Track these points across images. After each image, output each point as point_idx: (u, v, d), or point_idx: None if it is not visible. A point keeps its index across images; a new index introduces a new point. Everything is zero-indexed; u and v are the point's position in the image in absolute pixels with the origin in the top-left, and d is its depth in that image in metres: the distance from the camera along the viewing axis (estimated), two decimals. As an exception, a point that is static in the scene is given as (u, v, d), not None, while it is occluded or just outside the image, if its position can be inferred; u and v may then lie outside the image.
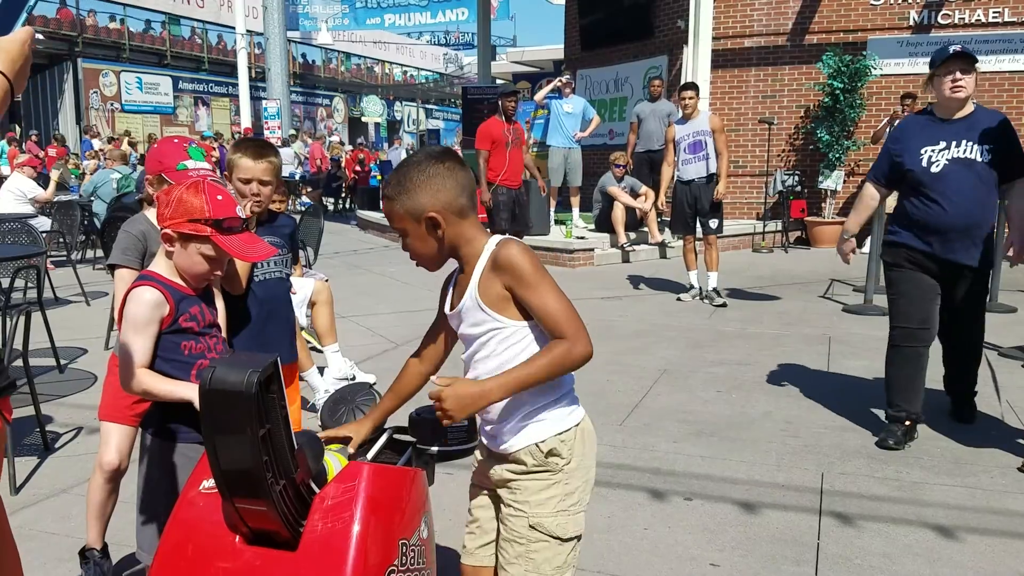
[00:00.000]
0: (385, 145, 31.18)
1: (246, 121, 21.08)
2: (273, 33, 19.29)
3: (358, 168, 18.71)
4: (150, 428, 2.27)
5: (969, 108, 3.87)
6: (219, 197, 2.20)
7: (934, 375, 4.22)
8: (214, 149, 17.57)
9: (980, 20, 11.11)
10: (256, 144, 2.93)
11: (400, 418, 2.93)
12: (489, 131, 8.28)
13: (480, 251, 1.83)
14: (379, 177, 18.12)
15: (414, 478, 2.11)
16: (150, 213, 2.75)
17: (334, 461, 2.10)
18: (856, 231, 4.29)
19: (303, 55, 33.68)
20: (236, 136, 21.22)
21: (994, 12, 11.02)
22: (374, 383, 5.09)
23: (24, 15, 1.64)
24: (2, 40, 1.36)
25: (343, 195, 19.15)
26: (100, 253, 10.18)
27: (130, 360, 2.11)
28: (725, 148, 7.42)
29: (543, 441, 1.85)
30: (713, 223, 7.44)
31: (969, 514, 3.16)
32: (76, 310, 7.55)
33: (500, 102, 8.43)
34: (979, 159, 3.76)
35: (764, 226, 11.35)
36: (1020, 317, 6.70)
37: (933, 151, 3.82)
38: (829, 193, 11.60)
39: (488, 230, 1.85)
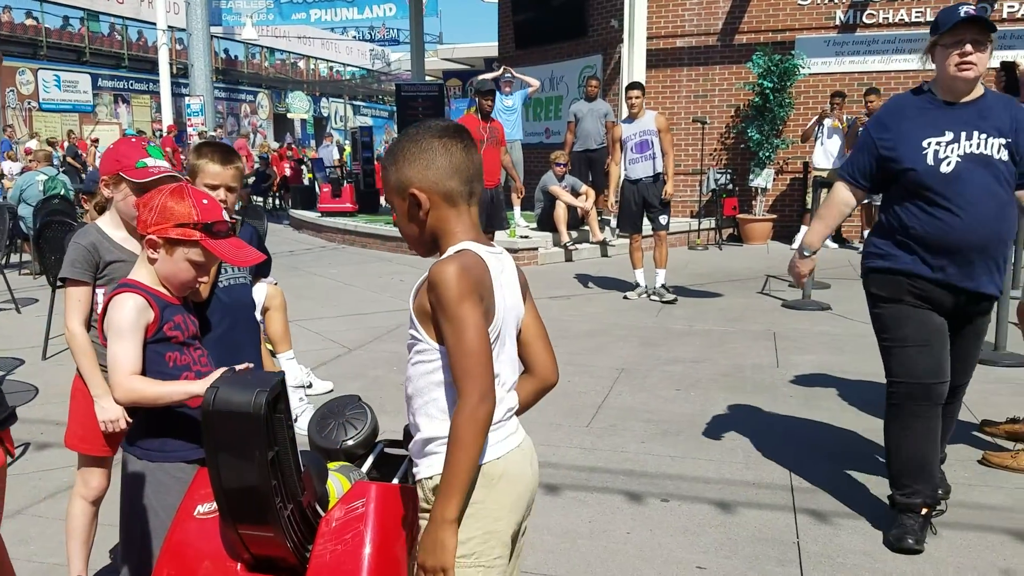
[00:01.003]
0: (312, 142, 30.67)
1: (168, 118, 20.43)
2: (196, 29, 18.71)
3: (291, 166, 18.29)
4: (134, 447, 2.15)
5: (979, 91, 3.01)
6: (204, 201, 2.12)
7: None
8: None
9: (903, 20, 11.51)
10: (221, 148, 2.81)
11: (388, 429, 2.86)
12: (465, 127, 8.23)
13: (445, 252, 1.63)
14: (311, 176, 17.79)
15: (416, 495, 2.06)
16: (102, 222, 2.60)
17: (335, 481, 2.03)
18: (820, 246, 3.42)
19: (225, 50, 32.84)
20: (158, 134, 20.54)
21: (916, 12, 11.43)
22: (331, 390, 4.98)
23: None
24: None
25: (273, 194, 18.74)
26: (27, 258, 9.73)
27: (120, 368, 2.00)
28: (671, 147, 7.51)
29: (430, 477, 1.62)
30: (663, 219, 7.53)
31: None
32: (7, 318, 7.18)
33: (477, 100, 8.40)
34: (996, 156, 2.93)
35: (699, 224, 11.54)
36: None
37: (940, 144, 2.94)
38: (759, 191, 11.87)
39: (470, 233, 1.66)
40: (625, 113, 10.04)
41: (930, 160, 2.95)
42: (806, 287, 7.37)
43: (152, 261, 2.10)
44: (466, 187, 1.65)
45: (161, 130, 20.35)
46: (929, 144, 2.96)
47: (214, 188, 2.60)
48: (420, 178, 1.63)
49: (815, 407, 4.59)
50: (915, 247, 3.00)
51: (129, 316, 2.01)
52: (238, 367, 2.04)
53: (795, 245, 10.88)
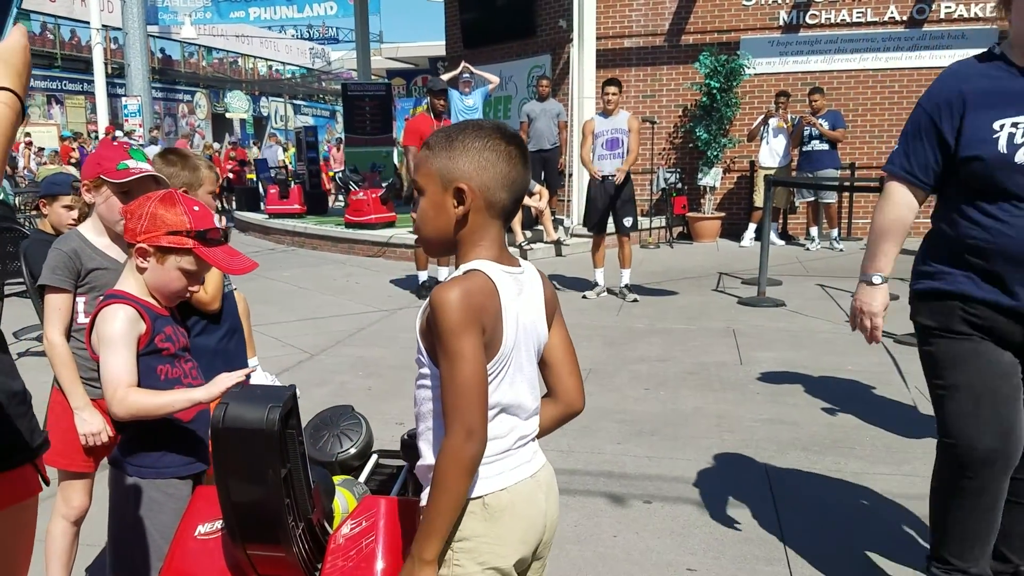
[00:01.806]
0: (251, 142, 30.10)
1: (104, 119, 19.83)
2: (132, 28, 18.20)
3: (235, 168, 17.91)
4: (124, 463, 2.06)
5: None
6: (196, 208, 2.05)
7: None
8: (73, 150, 16.48)
9: (845, 20, 11.78)
10: (184, 154, 2.77)
11: (382, 444, 2.80)
12: (418, 127, 8.24)
13: (460, 264, 1.54)
14: (253, 177, 17.45)
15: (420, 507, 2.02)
16: (83, 228, 2.52)
17: (339, 496, 1.98)
18: (890, 270, 2.51)
19: (162, 50, 32.02)
20: (93, 135, 19.93)
21: (858, 12, 11.72)
22: (294, 386, 4.87)
23: (15, 11, 1.31)
24: (2, 51, 1.13)
25: (216, 196, 18.33)
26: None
27: (117, 380, 1.91)
28: (636, 147, 7.57)
29: (424, 506, 1.52)
30: (628, 221, 7.58)
31: (916, 502, 3.30)
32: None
33: (429, 100, 8.38)
34: None
35: (650, 222, 11.65)
36: (904, 304, 7.07)
37: (1017, 127, 2.23)
38: (708, 189, 12.04)
39: (492, 250, 1.55)
40: (583, 111, 10.12)
41: (1002, 146, 2.23)
42: (760, 284, 7.49)
43: (141, 271, 2.02)
44: (513, 203, 1.55)
45: (97, 131, 19.73)
46: (1002, 126, 2.24)
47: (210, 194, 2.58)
48: (475, 176, 1.50)
49: (782, 403, 4.66)
50: (975, 262, 2.30)
51: (121, 327, 1.93)
52: (235, 374, 1.98)
53: (744, 243, 11.11)
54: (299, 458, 1.70)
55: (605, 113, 7.51)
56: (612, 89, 7.49)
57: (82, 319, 2.45)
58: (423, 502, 1.57)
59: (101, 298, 2.06)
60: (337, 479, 2.05)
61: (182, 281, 2.04)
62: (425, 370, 1.53)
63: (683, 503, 3.41)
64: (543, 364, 1.66)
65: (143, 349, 1.99)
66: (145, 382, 1.99)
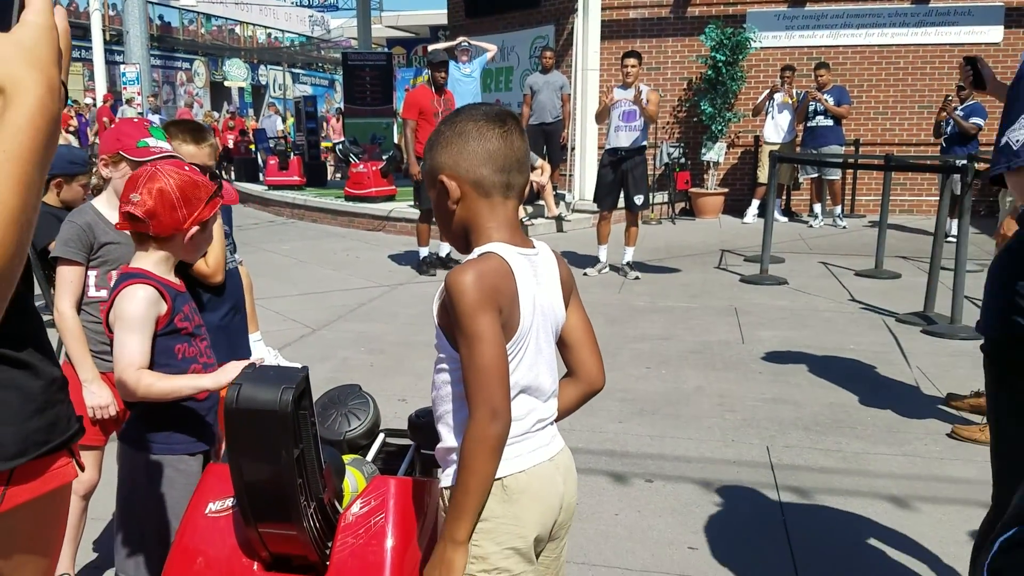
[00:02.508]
0: (250, 111, 29.91)
1: (102, 87, 19.68)
2: (131, -8, 18.05)
3: (238, 138, 17.80)
4: (134, 439, 2.07)
5: None
6: (194, 166, 2.11)
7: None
8: (71, 118, 16.37)
9: (852, -5, 11.68)
10: (192, 127, 2.75)
11: (386, 421, 2.81)
12: (417, 100, 8.13)
13: (474, 250, 1.54)
14: (253, 147, 17.36)
15: (431, 488, 2.03)
16: (98, 202, 2.52)
17: (349, 476, 1.98)
18: None
19: (160, 16, 31.71)
20: (92, 104, 19.78)
21: (865, -13, 11.62)
22: (306, 367, 4.89)
23: None
24: (20, 36, 0.91)
25: (217, 166, 18.24)
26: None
27: (129, 362, 1.92)
28: (655, 114, 7.54)
29: (448, 488, 1.54)
30: (639, 199, 7.50)
31: (916, 483, 3.34)
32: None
33: (430, 72, 8.26)
34: None
35: (653, 198, 11.59)
36: (906, 282, 7.14)
37: None
38: (711, 165, 11.98)
39: (503, 231, 1.55)
40: (587, 83, 10.02)
41: None
42: (763, 262, 7.47)
43: (188, 244, 2.04)
44: (501, 176, 1.53)
45: (95, 99, 19.59)
46: None
47: None
48: (451, 164, 1.53)
49: (784, 382, 4.68)
50: None
51: (140, 308, 1.93)
52: (243, 362, 1.98)
53: (746, 219, 11.09)
54: (311, 439, 1.71)
55: (624, 86, 7.43)
56: (631, 61, 7.41)
57: (93, 292, 2.45)
58: (443, 483, 1.59)
59: (116, 274, 2.07)
60: (347, 458, 2.06)
61: (208, 237, 2.13)
62: (443, 354, 1.54)
63: (685, 482, 3.43)
64: (562, 344, 1.67)
65: (163, 329, 1.99)
66: (162, 360, 1.99)
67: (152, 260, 2.02)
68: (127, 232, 2.43)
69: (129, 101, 17.57)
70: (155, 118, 16.20)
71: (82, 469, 1.19)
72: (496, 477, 1.50)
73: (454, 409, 1.54)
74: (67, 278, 2.41)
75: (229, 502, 1.85)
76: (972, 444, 3.69)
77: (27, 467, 1.07)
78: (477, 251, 1.53)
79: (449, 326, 1.49)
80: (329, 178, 15.45)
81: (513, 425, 1.50)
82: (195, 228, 2.01)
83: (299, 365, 5.08)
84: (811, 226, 10.74)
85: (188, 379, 1.98)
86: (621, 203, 7.64)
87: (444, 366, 1.54)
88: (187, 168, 2.09)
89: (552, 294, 1.60)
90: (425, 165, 1.60)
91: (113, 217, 2.43)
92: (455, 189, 1.53)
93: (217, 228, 2.60)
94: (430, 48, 11.58)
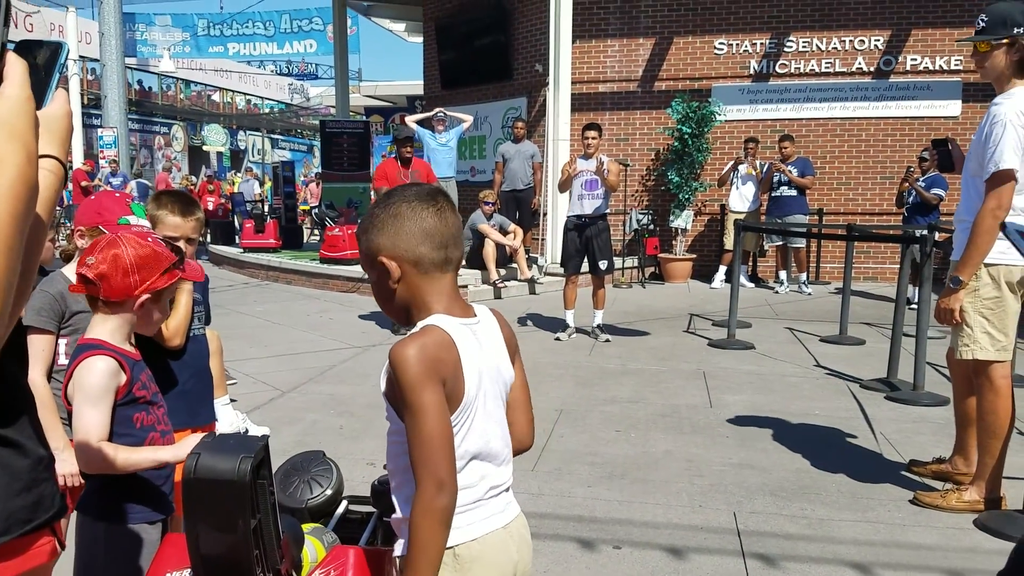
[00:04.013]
0: (230, 175, 30.03)
1: (78, 150, 19.74)
2: (110, 60, 18.21)
3: (220, 201, 17.87)
4: (91, 508, 2.05)
5: None
6: (156, 237, 2.13)
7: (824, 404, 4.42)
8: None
9: (814, 70, 12.10)
10: (181, 199, 2.78)
11: (354, 485, 2.81)
12: (386, 171, 8.67)
13: (415, 325, 1.57)
14: (229, 209, 17.41)
15: (391, 557, 2.03)
16: (67, 271, 2.54)
17: (308, 545, 1.98)
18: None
19: (139, 81, 31.98)
20: (68, 165, 19.77)
21: (826, 63, 12.04)
22: (266, 436, 4.85)
23: (58, 76, 1.32)
24: (46, 117, 1.11)
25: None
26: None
27: (90, 436, 1.92)
28: (616, 180, 7.73)
29: (398, 556, 1.55)
30: (603, 264, 7.67)
31: (880, 549, 3.36)
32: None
33: (396, 148, 8.85)
34: None
35: (623, 262, 11.77)
36: (870, 348, 7.27)
37: None
38: (679, 231, 12.21)
39: (443, 303, 1.59)
40: (557, 152, 10.28)
41: None
42: (730, 327, 7.58)
43: (140, 314, 2.05)
44: (439, 253, 1.57)
45: (71, 162, 19.61)
46: None
47: (175, 240, 2.56)
48: (389, 245, 1.56)
49: (751, 447, 4.71)
50: None
51: (101, 381, 1.94)
52: (203, 435, 1.99)
53: (714, 284, 11.25)
54: (269, 508, 1.71)
55: (586, 156, 7.64)
56: (592, 133, 7.64)
57: (63, 360, 2.46)
58: (396, 552, 1.60)
59: (76, 345, 2.07)
60: (306, 527, 2.06)
61: (160, 309, 2.09)
62: (394, 426, 1.57)
63: (652, 548, 3.43)
64: None
65: (121, 399, 2.00)
66: (121, 430, 2.00)
67: (108, 329, 2.03)
68: None
69: (114, 171, 17.53)
70: (134, 183, 16.24)
71: (63, 547, 1.20)
72: (448, 546, 1.50)
73: (406, 481, 1.55)
74: (38, 347, 2.43)
75: (187, 572, 1.84)
76: (934, 510, 3.74)
77: (8, 545, 1.08)
78: (419, 324, 1.57)
79: (396, 398, 1.52)
80: (306, 240, 15.52)
81: (465, 492, 1.52)
82: (146, 296, 2.02)
83: (265, 430, 5.06)
84: (777, 292, 10.92)
85: (148, 451, 1.98)
86: (586, 267, 7.77)
87: (394, 438, 1.57)
88: (150, 240, 2.11)
89: (498, 356, 1.65)
90: (362, 247, 1.63)
91: None
92: (395, 269, 1.57)
93: (185, 294, 2.63)
94: (398, 118, 11.91)
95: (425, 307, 1.58)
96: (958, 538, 3.49)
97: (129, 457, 1.96)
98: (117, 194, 2.58)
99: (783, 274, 11.12)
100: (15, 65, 0.99)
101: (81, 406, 1.94)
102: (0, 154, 0.93)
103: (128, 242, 2.05)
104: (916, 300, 7.01)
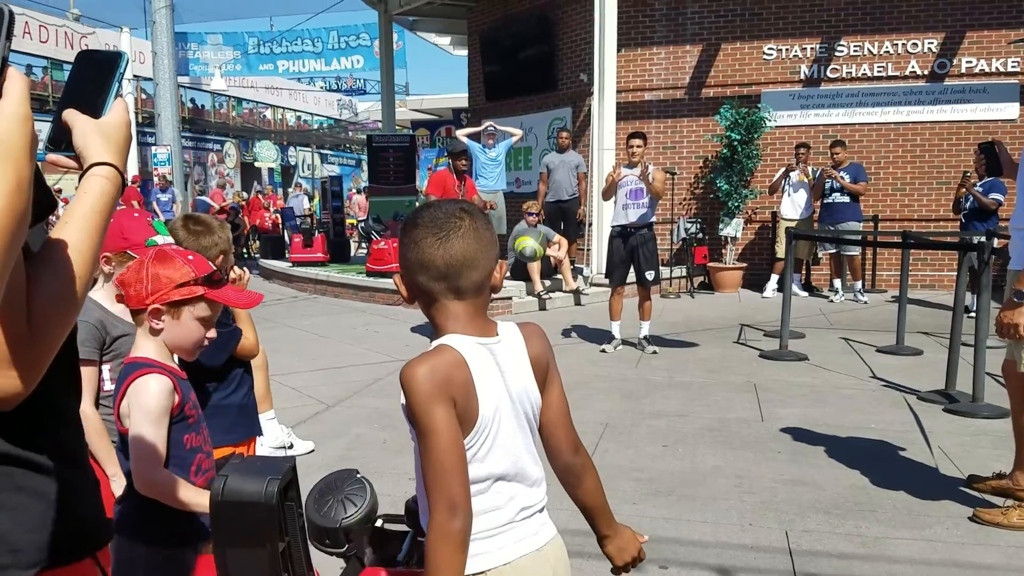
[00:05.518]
0: (280, 190, 30.57)
1: (133, 168, 20.26)
2: (163, 79, 18.67)
3: (272, 216, 18.20)
4: (129, 530, 2.04)
5: None
6: (190, 256, 2.09)
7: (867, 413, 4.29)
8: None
9: (866, 74, 11.84)
10: (204, 224, 2.84)
11: (381, 493, 2.77)
12: (442, 180, 8.96)
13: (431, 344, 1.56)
14: (280, 223, 17.67)
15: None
16: (98, 296, 2.55)
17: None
18: None
19: (192, 100, 32.77)
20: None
21: (879, 67, 11.77)
22: (312, 450, 4.87)
23: (116, 85, 1.31)
24: (105, 126, 1.11)
25: (243, 243, 18.61)
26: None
27: (149, 457, 1.91)
28: (661, 188, 7.63)
29: None
30: (650, 275, 7.54)
31: (938, 569, 3.22)
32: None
33: (451, 161, 9.12)
34: None
35: (671, 272, 11.62)
36: (928, 359, 7.03)
37: None
38: (729, 240, 12.01)
39: (459, 324, 1.55)
40: (603, 162, 10.23)
41: None
42: (783, 337, 7.41)
43: (156, 332, 2.03)
44: (438, 284, 1.52)
45: (127, 179, 20.14)
46: None
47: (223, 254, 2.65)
48: (402, 265, 1.57)
49: (803, 463, 4.57)
50: None
51: (159, 401, 1.93)
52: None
53: (766, 294, 11.04)
54: (298, 531, 1.68)
55: (631, 165, 7.55)
56: (637, 142, 7.55)
57: (108, 386, 2.48)
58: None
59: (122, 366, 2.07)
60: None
61: (201, 330, 2.06)
62: (414, 444, 1.54)
63: (700, 568, 3.34)
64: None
65: (173, 418, 1.99)
66: (172, 452, 1.99)
67: (152, 348, 2.03)
68: (132, 323, 2.47)
69: (166, 179, 17.82)
70: (164, 196, 16.55)
71: (105, 575, 1.17)
72: (479, 571, 1.46)
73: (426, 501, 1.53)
74: (84, 377, 2.44)
75: (218, 595, 1.82)
76: (995, 528, 3.57)
77: (49, 574, 1.05)
78: (432, 344, 1.55)
79: (409, 418, 1.50)
80: (353, 254, 15.67)
81: (494, 515, 1.47)
82: (158, 306, 1.99)
83: (310, 445, 5.06)
84: (831, 301, 10.67)
85: (202, 496, 1.94)
86: (632, 277, 7.66)
87: (417, 454, 1.54)
88: (190, 257, 2.10)
89: (521, 377, 1.59)
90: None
91: (116, 309, 2.48)
92: (403, 290, 1.59)
93: (245, 315, 2.72)
94: (457, 133, 12.00)
95: (440, 327, 1.57)
96: (1020, 557, 3.33)
97: (184, 495, 1.93)
98: (135, 214, 2.59)
99: (837, 282, 10.86)
100: (16, 81, 0.96)
101: (140, 425, 1.93)
102: None
103: (158, 255, 2.06)
104: (975, 308, 6.76)
